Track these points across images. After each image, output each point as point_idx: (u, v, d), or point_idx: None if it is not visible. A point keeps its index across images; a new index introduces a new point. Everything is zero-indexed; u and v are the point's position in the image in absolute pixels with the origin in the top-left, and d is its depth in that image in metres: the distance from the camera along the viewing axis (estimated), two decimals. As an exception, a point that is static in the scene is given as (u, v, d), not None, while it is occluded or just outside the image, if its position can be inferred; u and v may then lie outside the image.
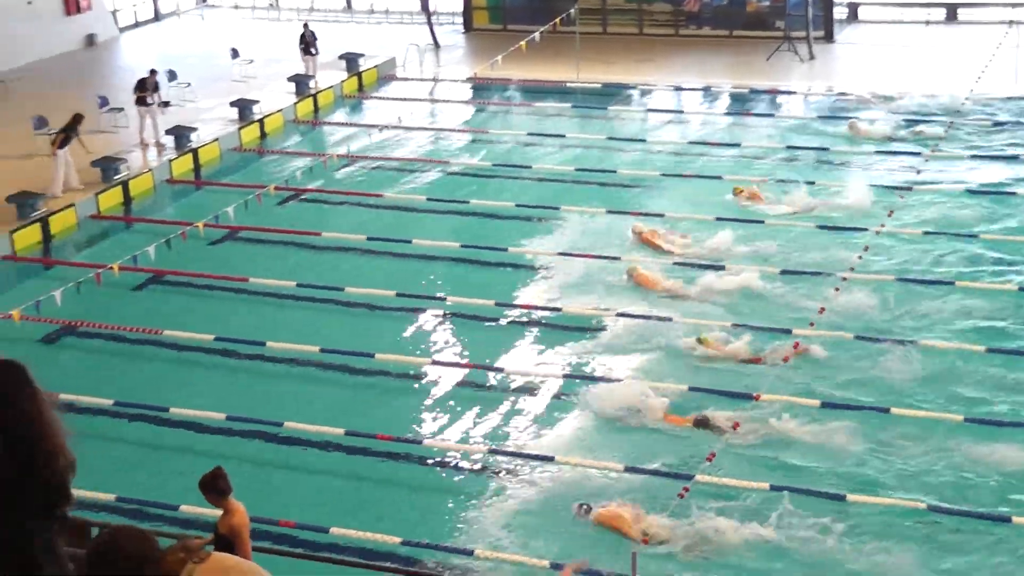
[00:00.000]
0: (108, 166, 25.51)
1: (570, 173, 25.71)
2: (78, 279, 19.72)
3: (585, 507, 14.02)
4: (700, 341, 17.65)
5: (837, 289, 19.31)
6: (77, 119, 24.59)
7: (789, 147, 26.89)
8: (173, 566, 4.17)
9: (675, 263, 20.72)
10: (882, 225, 21.84)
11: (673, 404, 16.16)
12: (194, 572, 4.17)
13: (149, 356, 18.76)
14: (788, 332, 17.97)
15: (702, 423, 15.70)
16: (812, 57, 33.67)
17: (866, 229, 21.72)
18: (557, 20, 33.06)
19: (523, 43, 31.19)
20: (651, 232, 21.74)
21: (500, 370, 17.66)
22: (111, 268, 20.11)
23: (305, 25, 33.38)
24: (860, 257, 20.61)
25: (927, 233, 21.53)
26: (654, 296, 19.54)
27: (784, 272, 20.17)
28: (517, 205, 23.95)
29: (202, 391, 17.46)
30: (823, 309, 18.62)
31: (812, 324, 18.21)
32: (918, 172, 24.66)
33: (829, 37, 35.68)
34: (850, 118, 27.98)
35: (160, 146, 27.02)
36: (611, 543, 13.40)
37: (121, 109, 28.82)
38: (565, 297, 19.82)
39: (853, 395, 16.37)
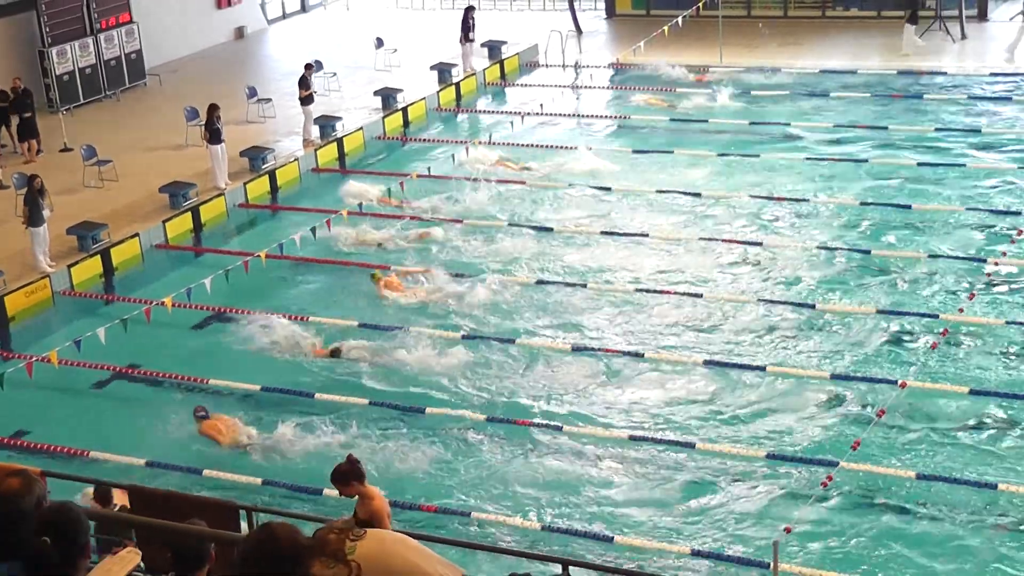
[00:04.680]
0: (255, 156, 25.99)
1: (712, 159, 25.43)
2: (227, 267, 20.15)
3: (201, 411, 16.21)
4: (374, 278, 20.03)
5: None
6: (211, 109, 24.73)
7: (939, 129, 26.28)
8: (335, 545, 4.36)
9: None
10: None
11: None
12: (356, 548, 4.35)
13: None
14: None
15: (336, 353, 17.87)
16: (964, 37, 32.69)
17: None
18: (700, 4, 32.69)
19: (666, 28, 30.91)
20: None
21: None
22: (259, 256, 20.49)
23: (470, 9, 33.32)
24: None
25: None
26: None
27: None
28: (658, 191, 23.79)
29: (347, 377, 17.71)
30: None
31: None
32: None
33: (983, 15, 34.59)
34: None
35: (311, 143, 27.29)
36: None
37: (268, 100, 29.36)
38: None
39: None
